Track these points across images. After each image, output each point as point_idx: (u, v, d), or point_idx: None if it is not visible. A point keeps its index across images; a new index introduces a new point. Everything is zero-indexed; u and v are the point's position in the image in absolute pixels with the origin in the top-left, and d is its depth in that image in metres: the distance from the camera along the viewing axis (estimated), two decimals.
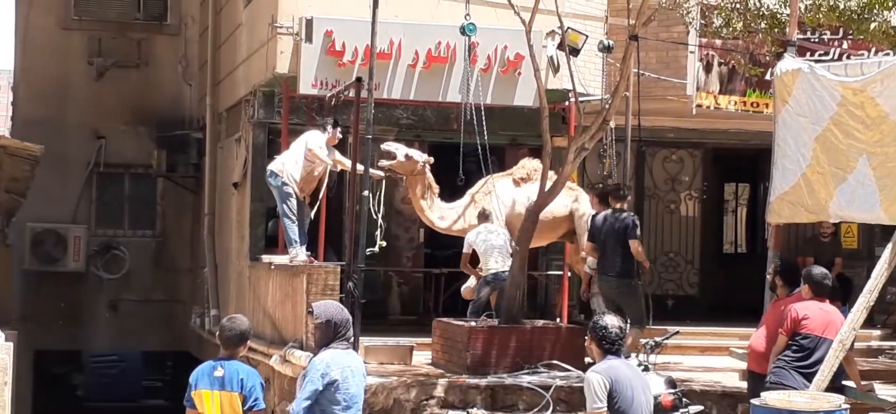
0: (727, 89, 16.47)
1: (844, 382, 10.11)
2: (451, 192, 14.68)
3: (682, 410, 10.67)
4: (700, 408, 11.38)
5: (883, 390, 11.11)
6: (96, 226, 22.16)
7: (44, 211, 21.37)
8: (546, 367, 12.69)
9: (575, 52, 14.28)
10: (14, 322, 17.98)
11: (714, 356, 14.66)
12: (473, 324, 13.07)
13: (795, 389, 9.62)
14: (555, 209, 14.17)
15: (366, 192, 12.94)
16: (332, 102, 14.32)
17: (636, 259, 12.93)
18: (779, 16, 13.89)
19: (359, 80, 13.43)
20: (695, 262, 18.80)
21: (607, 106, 13.32)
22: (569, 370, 12.40)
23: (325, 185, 14.49)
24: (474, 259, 13.86)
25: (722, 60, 16.34)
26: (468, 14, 13.98)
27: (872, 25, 13.68)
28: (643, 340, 11.78)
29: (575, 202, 14.54)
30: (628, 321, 12.43)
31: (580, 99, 14.01)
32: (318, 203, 14.36)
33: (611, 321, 7.79)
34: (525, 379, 12.35)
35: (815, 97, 10.89)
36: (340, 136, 14.16)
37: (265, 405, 8.21)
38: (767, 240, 12.02)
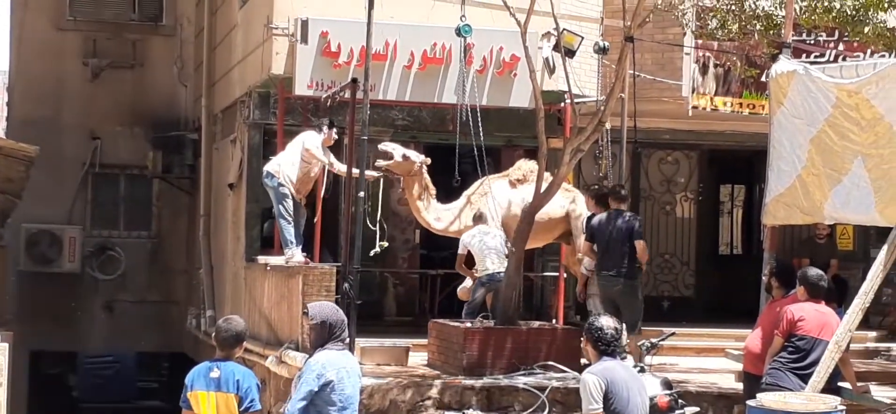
0: (724, 91, 16.48)
1: (840, 384, 10.12)
2: (446, 193, 14.68)
3: (677, 412, 10.68)
4: (696, 409, 11.39)
5: (878, 392, 11.11)
6: (91, 227, 22.14)
7: (39, 212, 21.34)
8: (542, 368, 12.69)
9: (570, 53, 14.29)
10: (9, 323, 17.96)
11: (710, 357, 14.67)
12: (469, 325, 13.07)
13: (791, 390, 9.63)
14: (551, 210, 14.17)
15: (362, 194, 12.94)
16: (328, 103, 14.31)
17: (640, 260, 12.97)
18: (774, 18, 13.90)
19: (354, 81, 13.42)
20: (690, 263, 18.81)
21: (603, 107, 13.33)
22: (565, 371, 12.40)
23: (322, 186, 14.49)
24: (470, 260, 13.86)
25: (718, 62, 16.36)
26: (464, 15, 13.99)
27: (866, 29, 13.67)
28: (639, 342, 11.78)
29: (572, 203, 14.55)
30: (623, 323, 12.48)
31: (576, 100, 14.00)
32: (318, 206, 14.36)
33: (606, 322, 7.79)
34: (521, 380, 12.34)
35: (810, 99, 10.90)
36: (336, 136, 14.16)
37: (261, 406, 8.21)
38: (763, 241, 12.03)
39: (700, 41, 15.86)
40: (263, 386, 12.16)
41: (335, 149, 14.43)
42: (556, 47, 14.25)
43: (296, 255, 13.78)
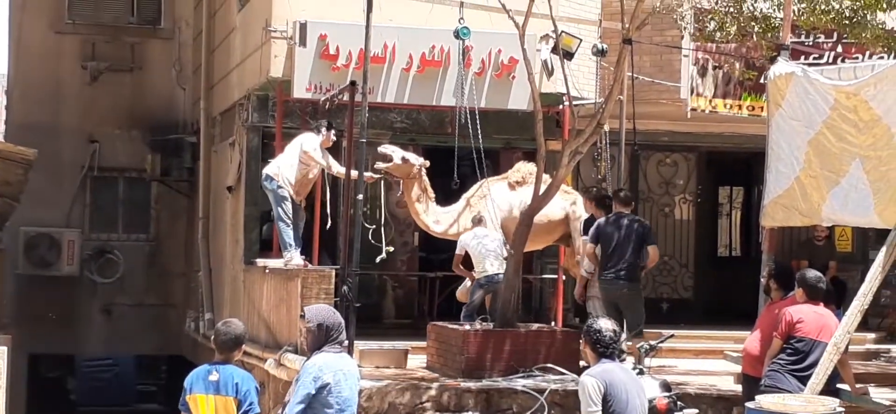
0: (723, 93, 16.48)
1: (839, 386, 10.12)
2: (445, 195, 14.68)
3: None
4: (695, 411, 11.38)
5: (877, 394, 11.10)
6: (90, 230, 22.13)
7: (37, 215, 21.33)
8: (541, 370, 12.70)
9: (569, 55, 14.30)
10: (7, 326, 17.95)
11: (709, 360, 14.66)
12: (468, 327, 13.07)
13: (790, 392, 9.62)
14: (551, 212, 14.18)
15: (360, 196, 12.93)
16: (327, 106, 14.32)
17: (648, 265, 13.06)
18: (772, 20, 13.90)
19: (353, 83, 13.42)
20: (689, 265, 18.81)
21: (601, 109, 13.34)
22: (563, 374, 12.40)
23: (327, 189, 14.48)
24: (467, 261, 13.86)
25: (716, 64, 16.36)
26: (462, 18, 14.01)
27: (866, 32, 13.67)
28: (639, 344, 11.77)
29: (572, 205, 14.55)
30: (625, 326, 12.49)
31: (574, 103, 14.02)
32: (318, 210, 14.36)
33: (605, 325, 7.78)
34: (520, 383, 12.35)
35: (808, 101, 10.90)
36: (335, 138, 14.16)
37: (260, 409, 8.19)
38: (762, 243, 12.03)
39: (698, 43, 15.85)
40: (262, 389, 12.14)
41: (334, 151, 14.44)
42: (555, 50, 14.25)
43: (295, 257, 13.78)
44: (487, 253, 13.63)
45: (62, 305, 21.57)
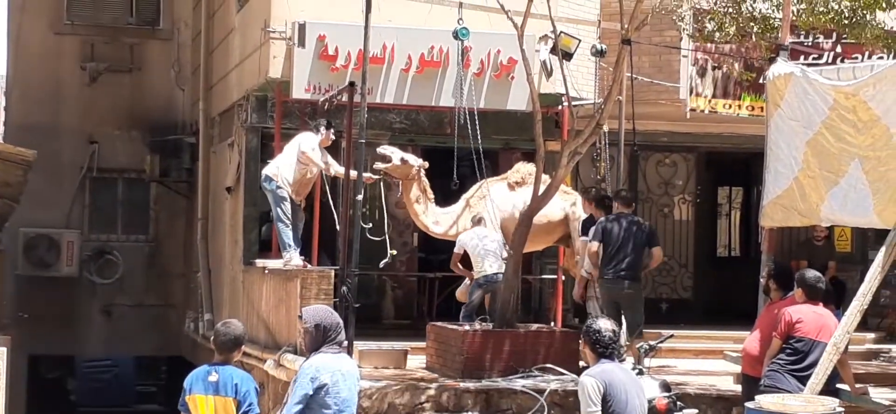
0: (723, 93, 16.49)
1: (838, 386, 10.12)
2: (445, 196, 14.68)
3: None
4: (694, 411, 11.37)
5: (877, 394, 11.11)
6: (89, 231, 22.13)
7: (37, 216, 21.33)
8: (540, 370, 12.69)
9: (568, 56, 14.30)
10: (7, 327, 17.94)
11: (708, 360, 14.67)
12: (468, 328, 13.07)
13: (790, 392, 9.62)
14: (550, 213, 14.18)
15: (359, 197, 12.93)
16: (325, 107, 14.32)
17: (652, 266, 13.13)
18: (771, 20, 13.90)
19: (352, 84, 13.42)
20: (689, 265, 18.82)
21: (600, 110, 13.34)
22: (563, 374, 12.40)
23: (327, 189, 14.48)
24: (466, 260, 13.85)
25: (715, 64, 16.36)
26: (461, 18, 14.01)
27: (866, 32, 13.67)
28: (638, 344, 11.77)
29: (572, 206, 14.55)
30: (625, 326, 12.50)
31: (573, 103, 14.02)
32: (344, 214, 14.34)
33: (604, 325, 7.78)
34: (519, 383, 12.35)
35: (807, 101, 10.90)
36: (333, 137, 14.16)
37: (259, 410, 8.19)
38: (761, 243, 12.03)
39: (697, 44, 15.85)
40: (262, 390, 12.12)
41: (333, 152, 14.43)
42: (554, 50, 14.25)
43: (294, 258, 13.78)
44: (487, 253, 13.63)
45: (62, 305, 21.58)
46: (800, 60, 13.53)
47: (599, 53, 15.21)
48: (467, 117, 13.91)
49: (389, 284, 17.80)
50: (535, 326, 14.06)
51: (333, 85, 14.41)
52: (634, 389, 7.74)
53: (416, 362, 13.68)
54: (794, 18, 13.37)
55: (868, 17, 13.76)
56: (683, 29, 15.17)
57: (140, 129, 22.14)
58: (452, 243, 14.17)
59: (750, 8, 14.02)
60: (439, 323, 13.86)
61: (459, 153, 14.30)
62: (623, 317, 12.69)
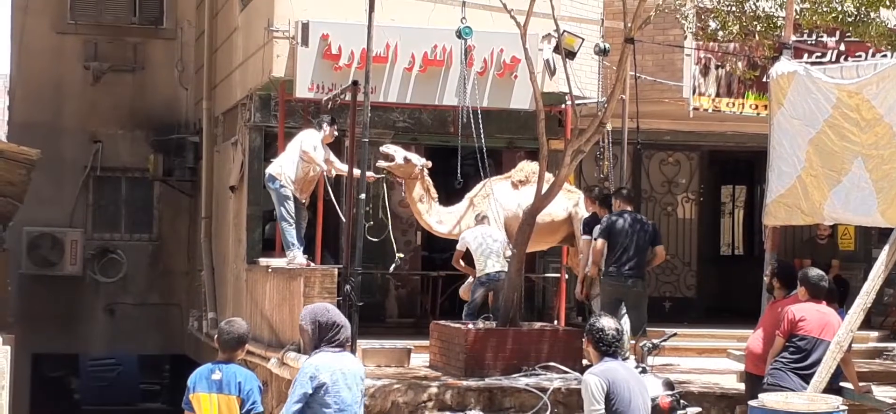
0: (726, 92, 16.49)
1: (842, 384, 10.13)
2: (448, 195, 14.68)
3: (679, 412, 10.67)
4: (698, 410, 11.38)
5: (880, 392, 11.11)
6: (93, 230, 22.15)
7: (40, 215, 21.36)
8: (543, 369, 12.69)
9: (571, 55, 14.31)
10: (11, 326, 17.96)
11: (711, 358, 14.68)
12: (471, 326, 13.07)
13: (793, 390, 9.63)
14: (554, 212, 14.18)
15: (362, 196, 12.94)
16: (329, 106, 14.32)
17: (655, 264, 13.21)
18: (775, 19, 13.90)
19: (355, 83, 13.42)
20: (692, 264, 18.82)
21: (604, 109, 13.34)
22: (566, 372, 12.40)
23: (330, 188, 14.47)
24: (468, 258, 13.85)
25: (719, 63, 16.36)
26: (464, 17, 14.00)
27: (870, 30, 13.65)
28: (642, 343, 11.78)
29: (575, 206, 14.53)
30: (628, 324, 12.50)
31: (576, 102, 14.00)
32: (348, 212, 14.35)
33: (608, 323, 7.78)
34: (522, 381, 12.35)
35: (810, 100, 10.90)
36: (336, 134, 14.17)
37: (263, 409, 8.20)
38: (764, 242, 12.03)
39: (701, 42, 15.85)
40: (265, 388, 12.17)
41: (336, 150, 14.44)
42: (557, 49, 14.25)
43: (297, 257, 13.78)
44: (490, 252, 13.63)
45: (65, 304, 21.60)
46: (803, 59, 13.56)
47: (603, 52, 15.21)
48: (470, 116, 13.91)
49: (393, 282, 17.79)
50: (538, 325, 14.07)
51: (337, 84, 14.42)
52: (638, 387, 7.74)
53: (420, 361, 13.69)
54: (798, 17, 13.36)
55: (872, 15, 13.75)
56: (687, 27, 15.17)
57: (144, 129, 22.15)
58: (456, 242, 14.17)
59: (753, 6, 14.01)
60: (442, 321, 13.86)
61: (463, 152, 14.29)
62: (625, 315, 12.69)
